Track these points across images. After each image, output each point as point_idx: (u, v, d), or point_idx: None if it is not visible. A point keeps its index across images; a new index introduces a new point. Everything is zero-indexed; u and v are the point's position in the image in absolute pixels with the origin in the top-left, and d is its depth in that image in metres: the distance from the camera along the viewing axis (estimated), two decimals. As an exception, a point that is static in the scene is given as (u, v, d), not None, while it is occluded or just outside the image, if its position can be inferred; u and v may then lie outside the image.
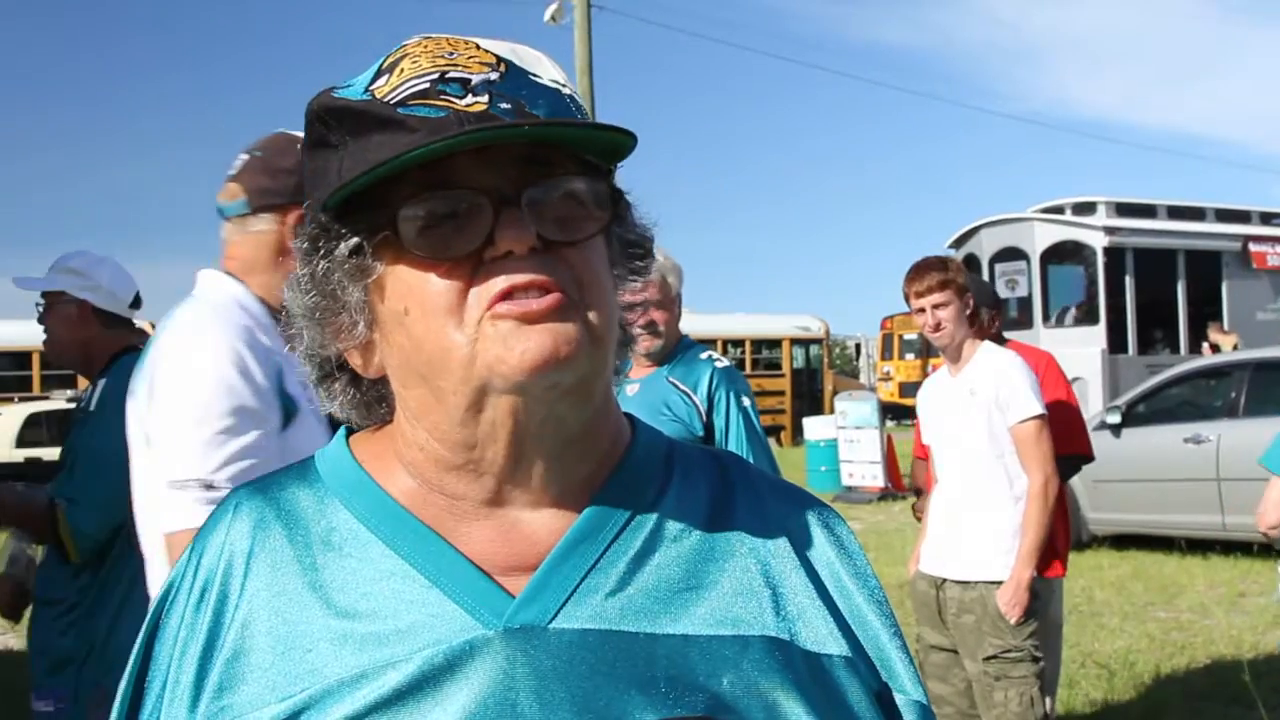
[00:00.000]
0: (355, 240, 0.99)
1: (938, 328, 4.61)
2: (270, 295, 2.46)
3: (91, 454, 3.53)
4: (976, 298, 4.97)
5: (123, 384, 3.44)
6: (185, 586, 1.04)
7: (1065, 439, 4.91)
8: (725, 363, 4.26)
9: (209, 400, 2.26)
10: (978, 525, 4.57)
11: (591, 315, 0.97)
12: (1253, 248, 19.20)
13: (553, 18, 22.30)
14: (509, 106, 0.96)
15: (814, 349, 34.30)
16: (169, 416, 2.31)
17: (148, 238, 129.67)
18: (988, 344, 4.70)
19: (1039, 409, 4.51)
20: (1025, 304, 18.97)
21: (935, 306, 4.58)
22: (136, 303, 3.84)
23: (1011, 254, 19.25)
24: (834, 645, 1.03)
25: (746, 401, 4.20)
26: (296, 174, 2.35)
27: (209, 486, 2.24)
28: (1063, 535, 5.08)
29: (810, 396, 32.21)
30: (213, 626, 1.00)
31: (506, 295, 0.94)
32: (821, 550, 1.09)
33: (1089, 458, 5.35)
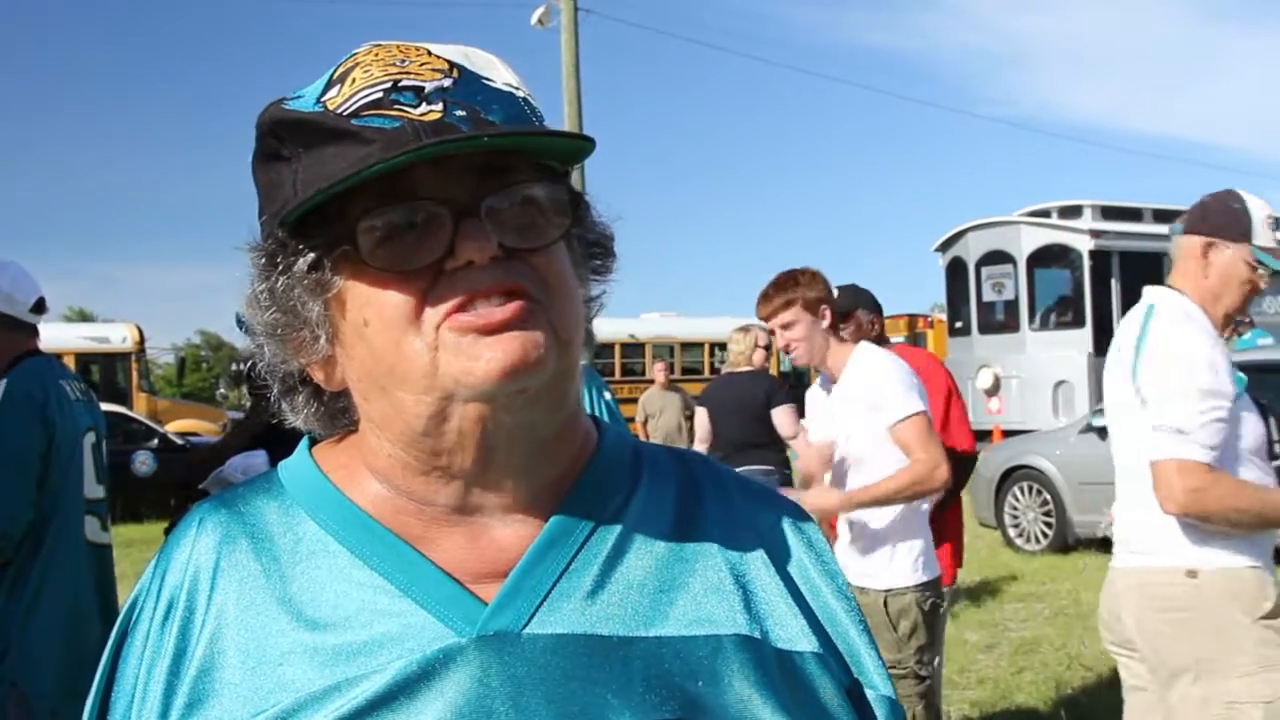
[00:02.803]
0: (313, 255, 0.97)
1: (788, 348, 4.41)
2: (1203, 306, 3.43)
3: (1, 454, 3.54)
4: (852, 301, 4.92)
5: (27, 386, 3.61)
6: (150, 604, 1.03)
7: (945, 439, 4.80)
8: (583, 361, 4.57)
9: (1192, 370, 3.23)
10: (869, 532, 4.30)
11: (557, 318, 0.96)
12: (1238, 251, 19.22)
13: (540, 21, 22.29)
14: (464, 114, 0.95)
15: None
16: (1162, 381, 3.29)
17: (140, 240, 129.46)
18: (863, 345, 4.47)
19: (917, 405, 4.21)
20: (1011, 307, 19.03)
21: (783, 327, 4.37)
22: (39, 308, 3.85)
23: (998, 257, 19.30)
24: (805, 642, 1.03)
25: (608, 396, 4.59)
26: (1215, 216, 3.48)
27: (1182, 432, 3.19)
28: (953, 547, 4.99)
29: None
30: (180, 642, 0.99)
31: (467, 303, 0.93)
32: (790, 549, 1.10)
33: (970, 455, 5.13)
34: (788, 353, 4.43)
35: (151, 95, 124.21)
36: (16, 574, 3.58)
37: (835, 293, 4.49)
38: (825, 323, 4.35)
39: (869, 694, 1.07)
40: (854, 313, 5.00)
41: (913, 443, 4.15)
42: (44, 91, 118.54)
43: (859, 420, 4.30)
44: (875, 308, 5.18)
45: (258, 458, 4.48)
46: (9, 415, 3.60)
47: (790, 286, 4.34)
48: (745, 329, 8.05)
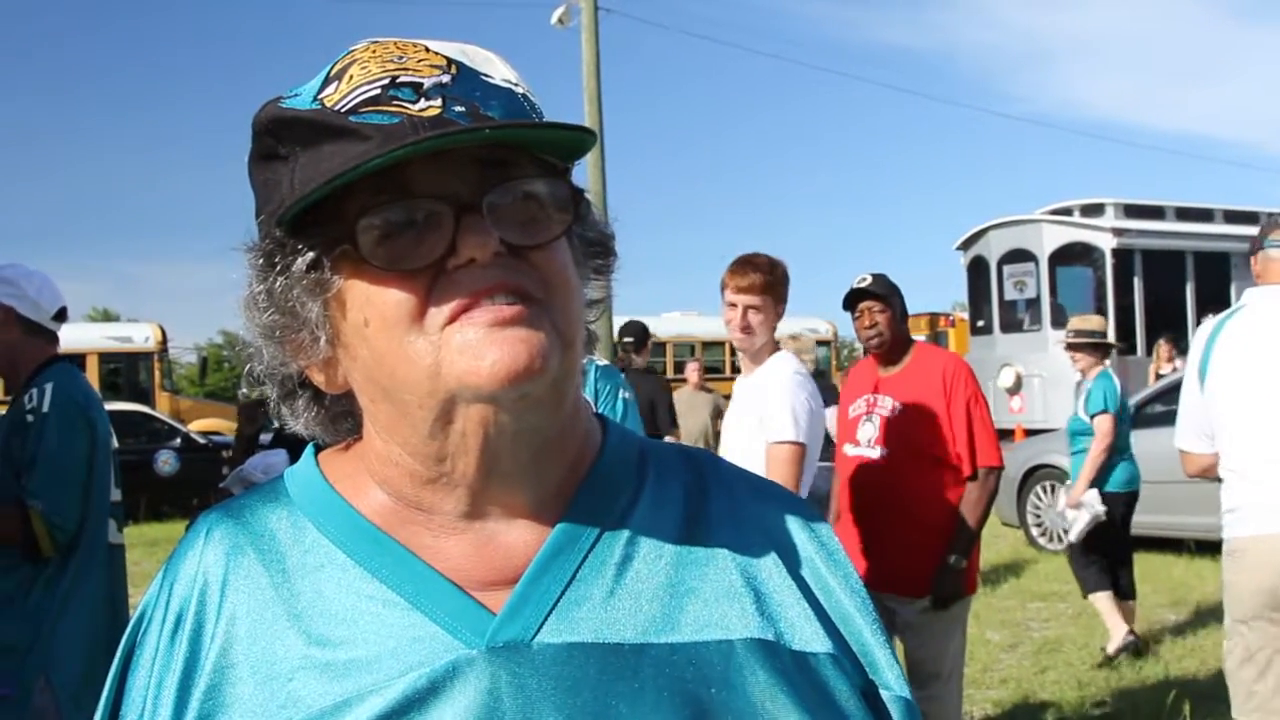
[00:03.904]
0: (312, 255, 0.96)
1: (746, 329, 4.42)
2: None
3: (55, 454, 3.76)
4: (898, 304, 4.94)
5: (70, 391, 3.84)
6: (158, 616, 1.02)
7: (978, 452, 4.86)
8: (604, 361, 4.65)
9: None
10: None
11: (560, 318, 0.95)
12: (1262, 249, 19.13)
13: (560, 20, 22.28)
14: (463, 109, 0.94)
15: (822, 350, 34.28)
16: None
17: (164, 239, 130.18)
18: (782, 354, 4.51)
19: (794, 435, 4.24)
20: (1034, 305, 18.97)
21: (750, 308, 4.38)
22: (61, 316, 4.04)
23: (1020, 255, 19.26)
24: (819, 643, 1.01)
25: (626, 395, 4.59)
26: None
27: None
28: (975, 551, 4.97)
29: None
30: (189, 657, 0.98)
31: (471, 304, 0.92)
32: (802, 548, 1.08)
33: (998, 468, 5.01)
34: (744, 332, 4.44)
35: (174, 94, 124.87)
36: (53, 571, 3.77)
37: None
38: (776, 322, 4.47)
39: (884, 695, 1.05)
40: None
41: (774, 470, 4.17)
42: (67, 90, 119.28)
43: (751, 420, 4.38)
44: (903, 308, 5.13)
45: (278, 456, 4.53)
46: (59, 419, 3.78)
47: (769, 270, 4.41)
48: (795, 336, 8.28)
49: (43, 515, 3.69)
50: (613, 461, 1.06)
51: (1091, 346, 8.05)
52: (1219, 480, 4.39)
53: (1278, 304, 4.35)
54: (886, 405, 4.96)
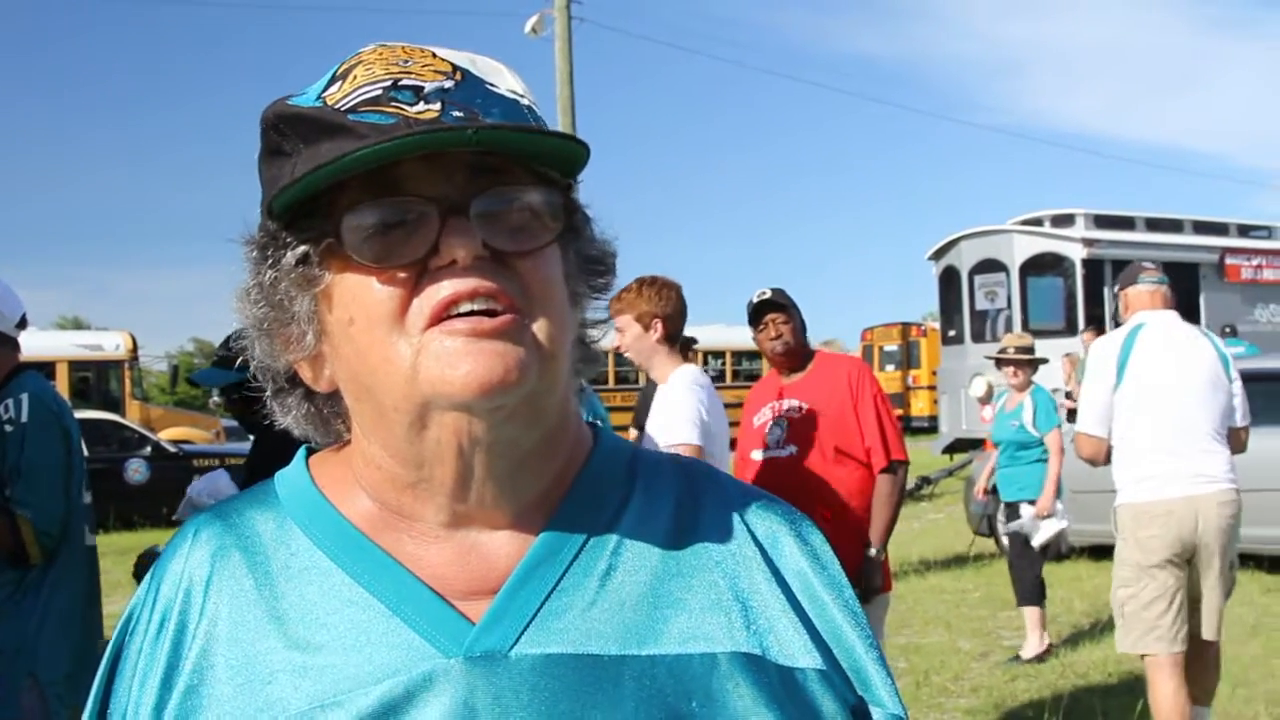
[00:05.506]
0: (302, 249, 0.97)
1: (618, 348, 4.63)
2: None
3: (37, 464, 3.85)
4: (798, 315, 5.11)
5: (44, 399, 3.92)
6: (144, 616, 1.03)
7: (890, 446, 5.00)
8: (582, 383, 4.90)
9: None
10: None
11: (540, 329, 0.95)
12: (1229, 260, 19.35)
13: (533, 30, 22.30)
14: (461, 115, 0.94)
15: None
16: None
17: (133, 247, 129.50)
18: (684, 367, 4.68)
19: (689, 438, 4.39)
20: (1005, 315, 19.07)
21: (617, 329, 4.58)
22: (22, 324, 4.09)
23: (991, 266, 19.36)
24: (807, 658, 1.00)
25: (596, 422, 4.64)
26: None
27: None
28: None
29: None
30: (171, 657, 0.98)
31: (452, 304, 0.92)
32: (793, 560, 1.06)
33: (902, 462, 5.13)
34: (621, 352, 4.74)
35: (145, 99, 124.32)
36: (37, 575, 3.86)
37: (679, 308, 4.70)
38: (655, 335, 4.63)
39: (875, 713, 1.03)
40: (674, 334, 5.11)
41: None
42: (36, 96, 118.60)
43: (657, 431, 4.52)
44: (802, 320, 5.25)
45: (221, 479, 4.59)
46: (37, 428, 3.85)
47: (626, 296, 4.63)
48: (828, 342, 8.50)
49: (31, 523, 3.77)
50: (599, 472, 1.06)
51: (1028, 363, 8.39)
52: (1106, 464, 5.33)
53: (1174, 323, 5.42)
54: (792, 407, 5.09)
